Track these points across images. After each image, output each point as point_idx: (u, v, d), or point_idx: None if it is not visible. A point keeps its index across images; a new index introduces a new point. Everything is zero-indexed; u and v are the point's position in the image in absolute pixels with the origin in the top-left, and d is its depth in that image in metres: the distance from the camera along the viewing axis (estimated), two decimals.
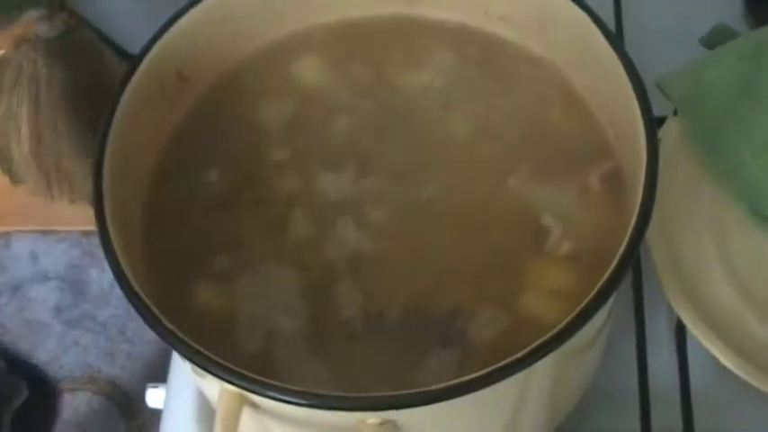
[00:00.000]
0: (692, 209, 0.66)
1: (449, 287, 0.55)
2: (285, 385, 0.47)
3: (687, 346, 0.64)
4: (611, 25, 0.75)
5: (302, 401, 0.47)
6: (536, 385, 0.52)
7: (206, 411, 0.65)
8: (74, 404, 0.92)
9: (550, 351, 0.46)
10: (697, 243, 0.64)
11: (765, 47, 0.69)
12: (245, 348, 0.55)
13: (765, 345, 0.61)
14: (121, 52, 0.88)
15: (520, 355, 0.46)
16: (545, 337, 0.46)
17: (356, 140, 0.61)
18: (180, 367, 0.68)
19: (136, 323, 0.84)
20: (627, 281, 0.66)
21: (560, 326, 0.47)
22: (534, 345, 0.46)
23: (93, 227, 0.53)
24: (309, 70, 0.64)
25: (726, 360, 0.60)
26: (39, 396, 0.89)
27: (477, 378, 0.46)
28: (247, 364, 0.49)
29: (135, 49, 0.59)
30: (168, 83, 0.60)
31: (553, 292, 0.54)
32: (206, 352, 0.49)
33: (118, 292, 0.51)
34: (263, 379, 0.48)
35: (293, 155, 0.61)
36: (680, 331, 0.65)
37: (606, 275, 0.48)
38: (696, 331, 0.61)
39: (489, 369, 0.46)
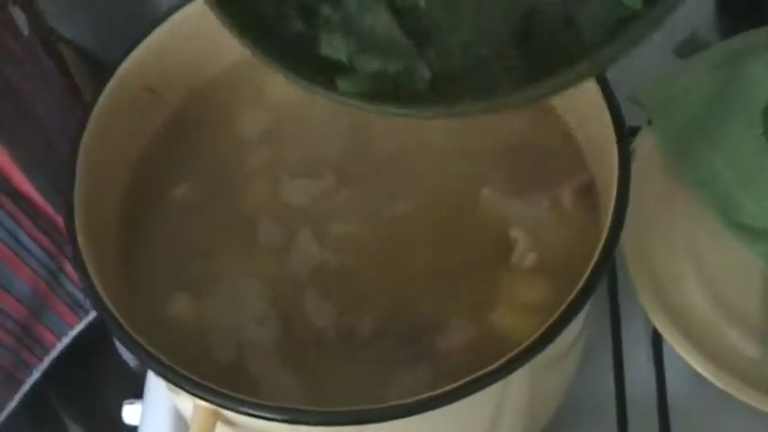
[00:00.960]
0: (666, 218, 0.66)
1: (421, 300, 0.55)
2: (258, 401, 0.47)
3: (664, 356, 0.64)
4: None
5: (275, 416, 0.47)
6: (512, 397, 0.52)
7: (182, 428, 0.65)
8: None
9: (524, 363, 0.46)
10: (672, 252, 0.65)
11: (737, 56, 0.69)
12: (219, 360, 0.55)
13: (741, 353, 0.61)
14: (99, 65, 0.88)
15: (494, 367, 0.46)
16: (518, 350, 0.46)
17: (329, 153, 0.61)
18: (155, 383, 0.68)
19: None
20: (603, 290, 0.66)
21: (533, 338, 0.47)
22: (507, 357, 0.46)
23: None
24: (282, 84, 0.63)
25: (702, 369, 0.60)
26: None
27: (451, 390, 0.46)
28: (221, 376, 0.49)
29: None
30: (139, 98, 0.60)
31: (524, 305, 0.54)
32: (178, 368, 0.49)
33: None
34: (235, 394, 0.48)
35: (265, 167, 0.61)
36: (656, 341, 0.65)
37: (577, 288, 0.48)
38: (672, 341, 0.61)
39: (463, 381, 0.46)
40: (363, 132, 0.61)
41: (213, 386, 0.48)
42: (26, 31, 0.85)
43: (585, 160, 0.58)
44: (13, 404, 0.81)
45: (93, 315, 0.83)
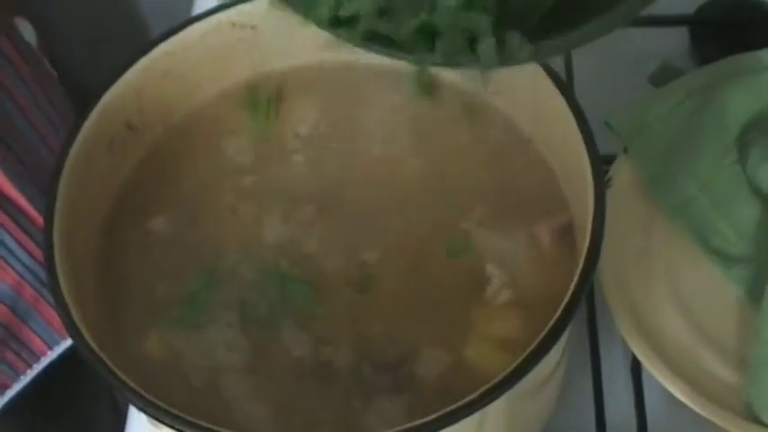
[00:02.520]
0: (643, 244, 0.67)
1: (397, 332, 0.55)
2: None
3: (643, 382, 0.65)
4: (561, 65, 0.76)
5: None
6: (490, 427, 0.52)
7: None
8: None
9: (500, 395, 0.47)
10: (649, 279, 0.65)
11: (711, 84, 0.70)
12: (195, 387, 0.55)
13: (718, 378, 0.62)
14: (80, 87, 0.88)
15: (470, 398, 0.46)
16: (494, 381, 0.47)
17: (308, 183, 0.61)
18: (136, 416, 0.68)
19: None
20: (581, 318, 0.67)
21: (509, 369, 0.47)
22: (484, 389, 0.46)
23: None
24: (262, 118, 0.64)
25: (681, 395, 0.60)
26: None
27: (429, 422, 0.46)
28: (197, 403, 0.50)
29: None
30: (117, 134, 0.60)
31: (498, 339, 0.54)
32: (159, 402, 0.49)
33: None
34: (217, 429, 0.48)
35: (244, 198, 0.61)
36: (635, 367, 0.65)
37: (552, 321, 0.49)
38: (651, 367, 0.62)
39: (440, 413, 0.46)
40: (344, 162, 0.62)
41: (193, 419, 0.48)
42: (34, 42, 0.85)
43: (565, 196, 0.58)
44: None
45: None
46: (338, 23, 0.50)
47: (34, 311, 0.80)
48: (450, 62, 0.50)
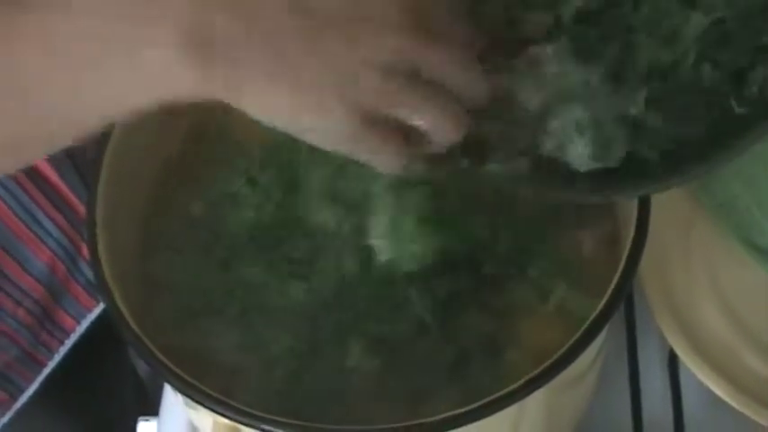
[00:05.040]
0: (684, 241, 0.66)
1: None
2: (279, 418, 0.47)
3: (680, 377, 0.64)
4: None
5: None
6: (529, 418, 0.52)
7: None
8: None
9: (539, 387, 0.47)
10: (689, 274, 0.65)
11: None
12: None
13: (757, 374, 0.61)
14: None
15: (512, 388, 0.46)
16: (533, 374, 0.47)
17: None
18: (172, 400, 0.68)
19: None
20: (619, 312, 0.66)
21: (547, 363, 0.47)
22: (525, 379, 0.47)
23: None
24: None
25: (718, 390, 0.60)
26: None
27: (472, 410, 0.47)
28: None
29: None
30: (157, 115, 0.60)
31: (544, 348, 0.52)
32: (200, 385, 0.49)
33: None
34: (256, 412, 0.48)
35: None
36: (672, 362, 0.65)
37: (591, 318, 0.49)
38: (689, 362, 0.61)
39: (483, 402, 0.46)
40: None
41: (234, 403, 0.48)
42: None
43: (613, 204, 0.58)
44: (34, 387, 0.81)
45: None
46: None
47: (65, 289, 0.80)
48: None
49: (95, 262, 0.53)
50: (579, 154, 0.47)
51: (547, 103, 0.48)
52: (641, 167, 0.48)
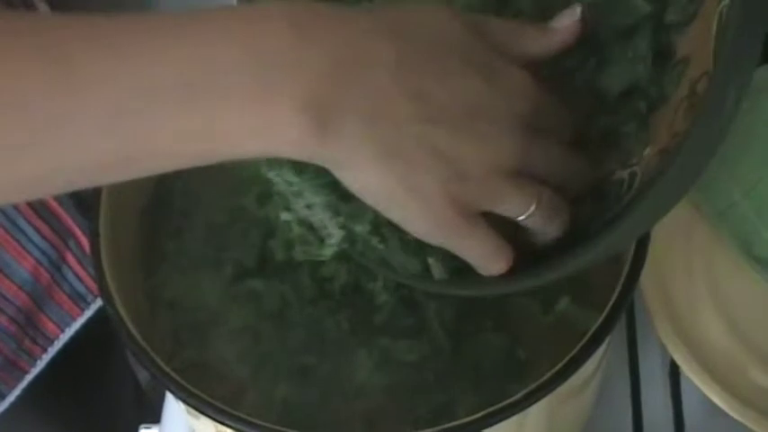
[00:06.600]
0: (685, 250, 0.66)
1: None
2: (282, 428, 0.47)
3: (681, 387, 0.64)
4: None
5: None
6: (530, 429, 0.52)
7: None
8: None
9: (542, 397, 0.47)
10: (690, 284, 0.65)
11: (756, 90, 0.69)
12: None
13: (758, 385, 0.61)
14: None
15: (513, 399, 0.46)
16: (536, 384, 0.47)
17: None
18: (173, 408, 0.68)
19: None
20: (621, 322, 0.66)
21: (549, 374, 0.47)
22: (527, 390, 0.47)
23: None
24: None
25: (719, 401, 0.60)
26: None
27: (474, 420, 0.47)
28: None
29: None
30: None
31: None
32: (202, 394, 0.49)
33: None
34: (259, 422, 0.48)
35: None
36: (674, 372, 0.65)
37: (593, 329, 0.49)
38: (690, 372, 0.61)
39: (485, 412, 0.46)
40: None
41: (236, 413, 0.48)
42: None
43: None
44: (16, 393, 0.82)
45: (94, 308, 0.84)
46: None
47: (48, 296, 0.81)
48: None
49: (99, 273, 0.53)
50: None
51: None
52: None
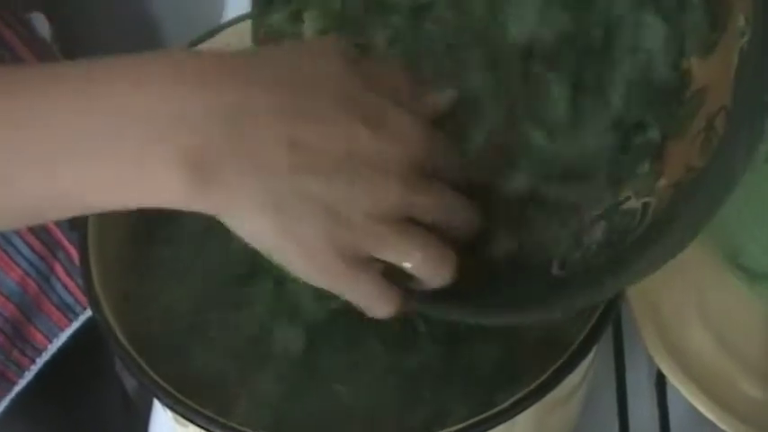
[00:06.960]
0: (672, 261, 0.66)
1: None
2: None
3: (667, 397, 0.65)
4: None
5: None
6: None
7: None
8: None
9: (528, 407, 0.47)
10: (676, 294, 0.65)
11: None
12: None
13: (744, 395, 0.61)
14: None
15: (500, 408, 0.47)
16: (523, 393, 0.47)
17: None
18: (161, 418, 0.68)
19: None
20: (607, 332, 0.66)
21: (540, 380, 0.47)
22: (514, 398, 0.47)
23: None
24: None
25: (706, 410, 0.60)
26: None
27: (460, 429, 0.47)
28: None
29: None
30: None
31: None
32: (190, 402, 0.49)
33: None
34: (249, 431, 0.48)
35: None
36: (660, 382, 0.65)
37: (579, 339, 0.49)
38: (676, 382, 0.62)
39: (471, 421, 0.47)
40: None
41: (225, 421, 0.48)
42: (48, 37, 0.85)
43: None
44: (4, 404, 0.82)
45: (83, 319, 0.84)
46: None
47: (36, 307, 0.81)
48: None
49: (88, 280, 0.53)
50: None
51: None
52: None
